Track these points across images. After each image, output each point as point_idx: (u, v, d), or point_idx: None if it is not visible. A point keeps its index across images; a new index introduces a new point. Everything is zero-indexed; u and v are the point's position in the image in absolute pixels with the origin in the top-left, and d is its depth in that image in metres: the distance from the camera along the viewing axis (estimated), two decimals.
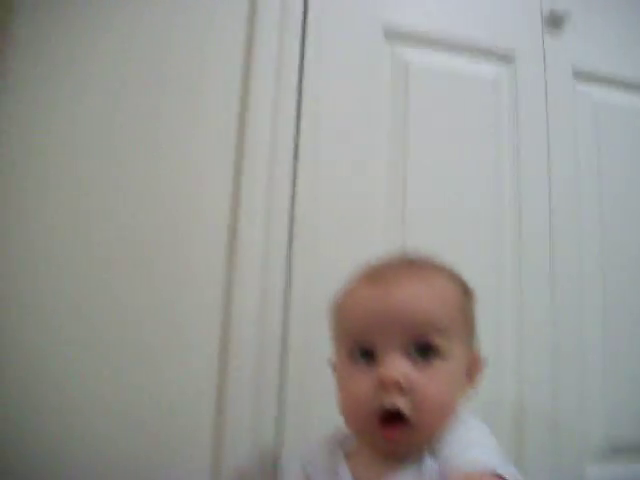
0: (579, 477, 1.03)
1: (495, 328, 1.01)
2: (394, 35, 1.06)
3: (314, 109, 0.99)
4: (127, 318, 0.87)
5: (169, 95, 0.94)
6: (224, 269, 0.91)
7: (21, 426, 0.82)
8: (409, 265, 0.72)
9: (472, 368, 0.71)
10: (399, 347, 0.65)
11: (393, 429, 0.64)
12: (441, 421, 0.65)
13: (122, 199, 0.90)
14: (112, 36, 0.94)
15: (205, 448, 0.87)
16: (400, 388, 0.63)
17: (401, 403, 0.63)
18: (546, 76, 1.13)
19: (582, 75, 1.16)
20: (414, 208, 1.02)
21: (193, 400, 0.88)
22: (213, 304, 0.90)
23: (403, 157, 1.03)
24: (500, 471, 0.57)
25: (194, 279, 0.90)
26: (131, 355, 0.86)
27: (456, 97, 1.08)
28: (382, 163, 1.02)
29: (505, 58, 1.12)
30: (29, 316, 0.84)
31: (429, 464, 0.64)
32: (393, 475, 0.65)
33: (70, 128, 0.90)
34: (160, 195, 0.91)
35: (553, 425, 1.02)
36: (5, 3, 0.87)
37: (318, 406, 0.89)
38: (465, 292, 0.73)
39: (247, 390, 0.89)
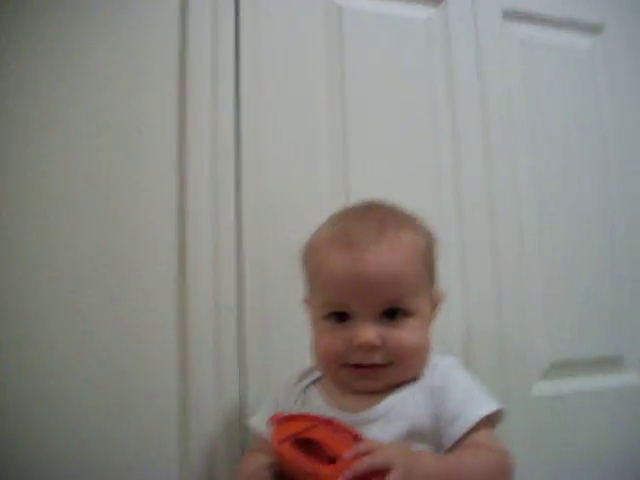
0: (526, 394, 1.10)
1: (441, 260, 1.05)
2: None
3: (253, 64, 1.00)
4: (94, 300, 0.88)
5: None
6: (176, 241, 0.92)
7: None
8: (378, 222, 0.73)
9: (436, 304, 0.78)
10: (372, 311, 0.70)
11: (369, 374, 0.71)
12: (419, 364, 0.73)
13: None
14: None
15: (172, 414, 0.90)
16: (374, 348, 0.70)
17: (377, 358, 0.70)
18: (476, 15, 1.16)
19: (510, 14, 1.19)
20: (355, 155, 1.04)
21: (158, 371, 0.90)
22: (168, 282, 0.91)
23: (342, 104, 1.05)
24: (485, 412, 0.69)
25: (148, 257, 0.91)
26: (99, 333, 0.88)
27: (390, 39, 1.10)
28: (321, 113, 1.04)
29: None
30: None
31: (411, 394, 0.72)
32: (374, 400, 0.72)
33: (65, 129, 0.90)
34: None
35: (499, 348, 1.08)
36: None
37: (278, 363, 0.93)
38: (429, 241, 0.77)
39: (208, 357, 0.92)
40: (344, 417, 0.71)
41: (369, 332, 0.69)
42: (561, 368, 1.14)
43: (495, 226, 1.11)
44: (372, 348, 0.69)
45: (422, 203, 1.03)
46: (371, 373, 0.71)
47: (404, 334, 0.70)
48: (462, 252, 1.08)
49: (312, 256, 0.76)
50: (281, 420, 0.68)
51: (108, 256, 0.89)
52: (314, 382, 0.79)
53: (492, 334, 1.08)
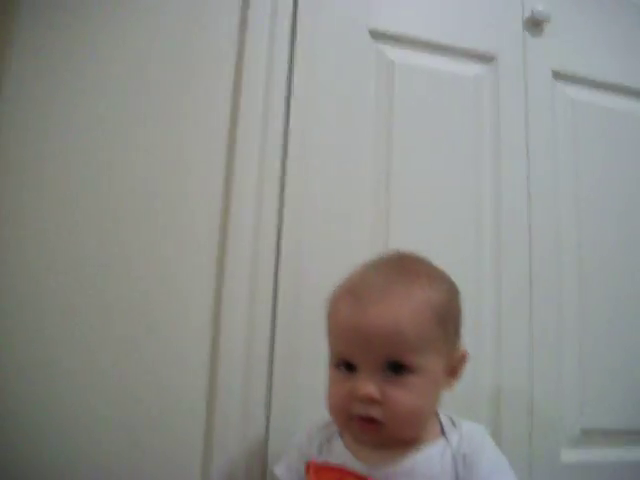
0: (554, 461, 1.08)
1: (475, 317, 1.05)
2: (380, 36, 1.10)
3: (303, 109, 1.02)
4: (115, 310, 0.89)
5: (162, 97, 0.97)
6: (214, 272, 0.94)
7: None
8: (393, 276, 0.74)
9: (456, 365, 0.77)
10: (375, 363, 0.70)
11: (368, 429, 0.71)
12: (412, 425, 0.73)
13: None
14: (107, 40, 0.96)
15: (196, 446, 0.90)
16: (373, 401, 0.69)
17: (374, 412, 0.70)
18: (526, 76, 1.17)
19: (561, 75, 1.20)
20: (398, 206, 1.06)
21: (185, 401, 0.91)
22: (203, 310, 0.93)
23: (387, 155, 1.07)
24: None
25: (185, 285, 0.93)
26: (126, 358, 0.89)
27: (439, 96, 1.12)
28: (367, 161, 1.06)
29: (486, 58, 1.16)
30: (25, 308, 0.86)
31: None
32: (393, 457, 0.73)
33: (66, 131, 0.92)
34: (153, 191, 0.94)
35: (529, 410, 1.07)
36: (5, 5, 0.89)
37: (303, 409, 0.94)
38: (449, 297, 0.77)
39: (236, 397, 0.92)
40: (369, 469, 0.72)
41: (369, 385, 0.69)
42: (591, 436, 1.12)
43: (533, 289, 1.11)
44: (371, 401, 0.69)
45: (461, 261, 1.05)
46: (370, 428, 0.71)
47: (402, 394, 0.70)
48: (498, 312, 1.08)
49: (329, 305, 0.78)
50: (317, 468, 0.68)
51: (144, 280, 0.91)
52: (339, 432, 0.79)
53: (523, 397, 1.07)
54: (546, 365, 1.09)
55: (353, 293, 0.74)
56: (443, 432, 0.75)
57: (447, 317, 0.75)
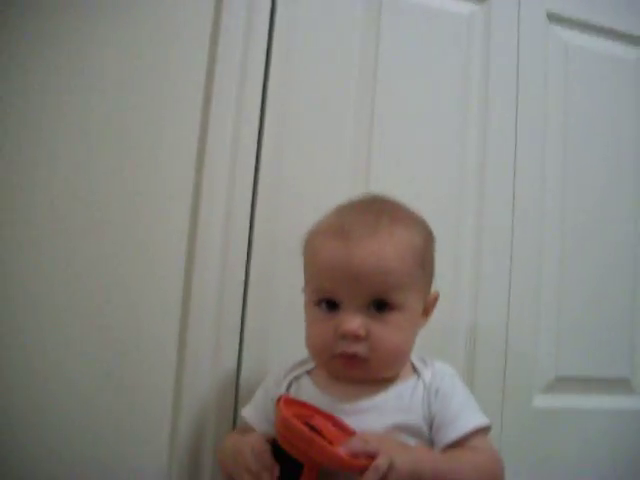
0: (527, 405, 1.09)
1: (454, 255, 1.05)
2: None
3: (286, 41, 0.99)
4: (96, 229, 0.88)
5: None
6: (191, 198, 0.92)
7: None
8: (374, 216, 0.74)
9: (428, 306, 0.79)
10: (359, 302, 0.71)
11: (352, 365, 0.71)
12: (395, 361, 0.74)
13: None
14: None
15: (168, 377, 0.90)
16: (358, 337, 0.70)
17: (358, 349, 0.71)
18: (520, 17, 1.14)
19: (555, 18, 1.17)
20: (380, 145, 1.03)
21: (158, 330, 0.90)
22: (178, 238, 0.91)
23: (371, 93, 1.04)
24: (483, 423, 0.72)
25: (161, 209, 0.91)
26: (105, 288, 0.88)
27: (429, 33, 1.09)
28: (351, 99, 1.03)
29: None
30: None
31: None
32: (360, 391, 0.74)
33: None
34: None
35: (504, 353, 1.07)
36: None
37: (276, 334, 0.94)
38: (427, 240, 0.77)
39: (209, 320, 0.91)
40: (338, 405, 0.72)
41: (354, 321, 0.70)
42: (566, 383, 1.12)
43: (515, 230, 1.09)
44: (356, 337, 0.70)
45: (442, 199, 1.04)
46: (354, 364, 0.71)
47: (387, 331, 0.71)
48: (478, 252, 1.07)
49: (309, 244, 0.77)
50: (287, 401, 0.69)
51: (116, 216, 0.89)
52: (307, 372, 0.80)
53: (500, 339, 1.07)
54: (524, 309, 1.09)
55: (336, 232, 0.73)
56: (415, 370, 0.76)
57: (426, 259, 0.76)
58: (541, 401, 1.10)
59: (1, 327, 0.84)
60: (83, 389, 0.87)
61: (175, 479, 0.89)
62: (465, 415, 0.72)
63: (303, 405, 0.70)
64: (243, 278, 0.93)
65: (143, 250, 0.90)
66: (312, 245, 0.77)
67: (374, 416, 0.71)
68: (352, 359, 0.71)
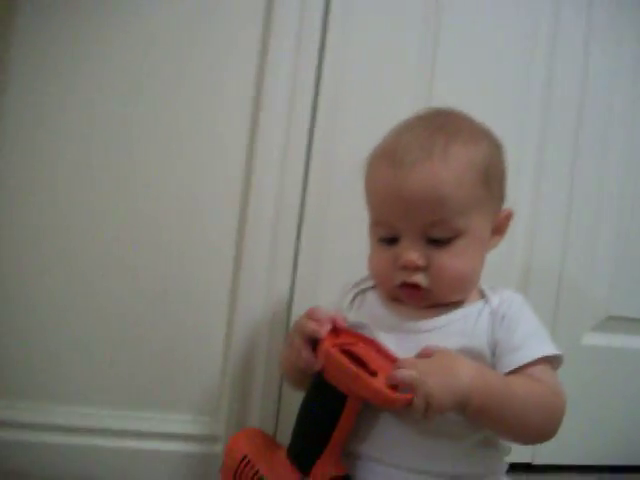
0: (576, 343, 1.09)
1: (512, 191, 1.00)
2: None
3: None
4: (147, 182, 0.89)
5: None
6: (248, 131, 0.91)
7: None
8: (430, 136, 0.69)
9: (501, 224, 0.75)
10: (417, 232, 0.68)
11: (414, 295, 0.70)
12: (460, 288, 0.71)
13: None
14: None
15: (222, 304, 0.92)
16: (417, 268, 0.68)
17: (418, 279, 0.69)
18: None
19: None
20: (444, 56, 0.99)
21: (212, 258, 0.91)
22: (235, 165, 0.91)
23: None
24: (550, 352, 0.68)
25: (218, 139, 0.91)
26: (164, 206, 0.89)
27: None
28: (415, 14, 0.97)
29: None
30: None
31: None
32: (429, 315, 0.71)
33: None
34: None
35: (557, 291, 1.06)
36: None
37: (330, 257, 0.94)
38: (492, 155, 0.72)
39: (264, 242, 0.91)
40: (401, 323, 0.71)
41: (412, 253, 0.68)
42: (617, 322, 1.11)
43: (577, 161, 1.06)
44: (416, 268, 0.68)
45: (503, 131, 1.00)
46: (416, 294, 0.70)
47: (448, 259, 0.68)
48: (537, 185, 1.04)
49: (366, 172, 0.75)
50: (330, 332, 0.68)
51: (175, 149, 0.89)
52: (373, 287, 0.78)
53: (553, 277, 1.05)
54: (580, 248, 1.07)
55: (389, 157, 0.70)
56: (483, 295, 0.74)
57: (491, 175, 0.71)
58: (590, 339, 1.10)
59: (57, 245, 0.86)
60: (139, 306, 0.89)
61: (227, 399, 0.92)
62: (531, 343, 0.68)
63: (346, 332, 0.70)
64: (299, 201, 0.93)
65: (202, 171, 0.90)
66: (368, 173, 0.74)
67: (437, 337, 0.69)
68: (414, 289, 0.69)
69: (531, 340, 0.69)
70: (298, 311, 0.91)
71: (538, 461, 1.09)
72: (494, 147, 0.73)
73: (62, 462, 0.87)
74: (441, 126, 0.71)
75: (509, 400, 0.64)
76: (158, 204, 0.89)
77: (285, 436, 0.71)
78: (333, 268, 0.93)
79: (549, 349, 0.69)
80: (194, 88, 0.89)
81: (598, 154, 1.08)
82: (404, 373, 0.60)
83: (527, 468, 1.09)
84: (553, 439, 1.05)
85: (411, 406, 0.59)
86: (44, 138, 0.85)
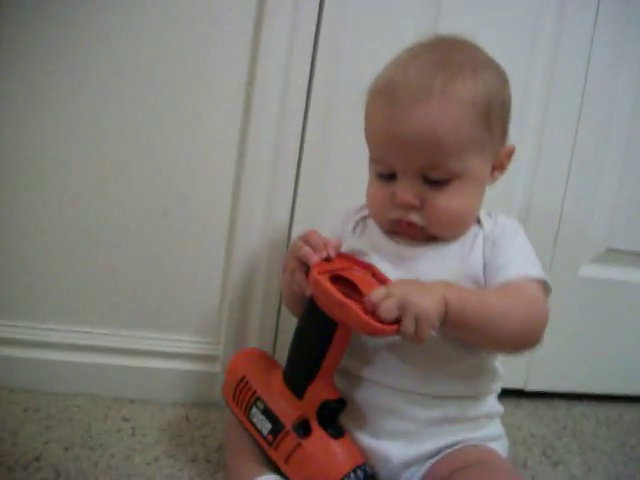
0: (573, 274, 1.09)
1: (517, 123, 0.99)
2: None
3: None
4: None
5: None
6: (249, 48, 0.89)
7: None
8: (430, 70, 0.66)
9: (501, 162, 0.74)
10: (413, 171, 0.67)
11: (410, 231, 0.71)
12: (456, 226, 0.71)
13: None
14: None
15: (221, 227, 0.92)
16: (412, 207, 0.68)
17: (413, 218, 0.69)
18: None
19: None
20: None
21: (212, 185, 0.91)
22: (235, 90, 0.89)
23: None
24: (534, 274, 0.68)
25: (219, 59, 0.89)
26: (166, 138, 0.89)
27: None
28: None
29: None
30: None
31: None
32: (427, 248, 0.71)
33: None
34: None
35: (557, 223, 1.06)
36: None
37: (330, 190, 0.93)
38: (497, 88, 0.69)
39: (264, 174, 0.91)
40: (400, 250, 0.72)
41: (408, 192, 0.67)
42: (616, 255, 1.12)
43: (585, 96, 1.03)
44: (410, 207, 0.68)
45: (509, 64, 0.98)
46: (412, 230, 0.70)
47: (444, 199, 0.68)
48: (543, 117, 1.02)
49: (366, 105, 0.73)
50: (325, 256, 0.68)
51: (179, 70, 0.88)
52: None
53: (554, 209, 1.05)
54: (584, 178, 1.06)
55: (388, 95, 0.67)
56: (479, 222, 0.74)
57: (493, 113, 0.68)
58: (589, 271, 1.10)
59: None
60: (139, 229, 0.90)
61: (226, 320, 0.93)
62: (516, 264, 0.68)
63: (342, 256, 0.69)
64: (300, 132, 0.91)
65: (201, 103, 0.89)
66: (367, 107, 0.72)
67: (435, 262, 0.70)
68: (410, 226, 0.70)
69: (517, 260, 0.69)
70: (297, 233, 0.91)
71: (530, 387, 1.12)
72: (498, 81, 0.71)
73: (65, 378, 0.90)
74: (443, 61, 0.68)
75: (485, 305, 0.64)
76: (160, 126, 0.88)
77: (283, 356, 0.73)
78: (333, 192, 0.93)
79: (533, 271, 0.69)
80: None
81: (606, 90, 1.05)
82: (389, 302, 0.59)
83: (520, 394, 1.12)
84: (546, 366, 1.10)
85: (400, 331, 0.59)
86: None
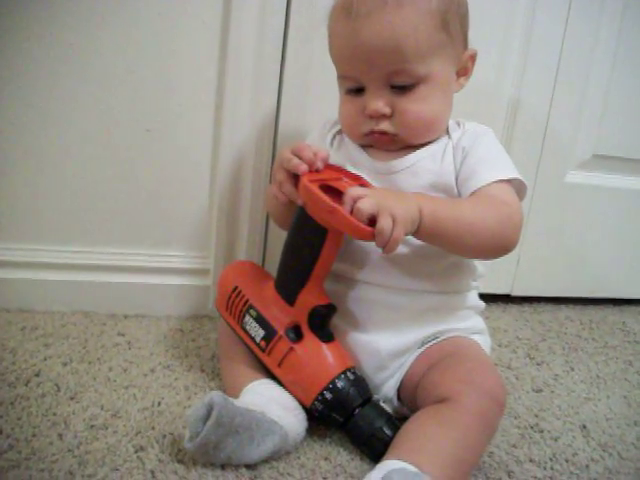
0: (559, 180, 1.10)
1: (505, 23, 0.98)
2: None
3: None
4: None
5: None
6: None
7: None
8: None
9: (466, 65, 0.75)
10: (379, 80, 0.69)
11: (383, 140, 0.72)
12: (427, 131, 0.73)
13: None
14: None
15: (206, 135, 0.91)
16: (383, 116, 0.70)
17: (385, 126, 0.71)
18: None
19: None
20: None
21: (194, 92, 0.89)
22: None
23: None
24: (504, 176, 0.70)
25: None
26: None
27: None
28: None
29: None
30: None
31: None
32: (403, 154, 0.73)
33: None
34: None
35: (544, 129, 1.06)
36: None
37: (315, 79, 0.91)
38: None
39: (248, 63, 0.88)
40: (374, 164, 0.74)
41: (377, 102, 0.69)
42: (602, 161, 1.12)
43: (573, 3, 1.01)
44: (381, 116, 0.70)
45: None
46: (384, 139, 0.72)
47: (413, 104, 0.69)
48: (530, 18, 0.99)
49: (328, 24, 0.73)
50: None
51: None
52: None
53: (541, 115, 1.05)
54: (571, 85, 1.05)
55: (346, 9, 0.68)
56: (448, 132, 0.75)
57: (450, 18, 0.69)
58: (574, 177, 1.11)
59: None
60: (126, 143, 0.89)
61: (215, 233, 0.94)
62: (486, 168, 0.70)
63: (330, 167, 0.70)
64: (283, 23, 0.89)
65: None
66: (329, 25, 0.73)
67: (407, 176, 0.72)
68: (382, 135, 0.71)
69: (487, 165, 0.71)
70: (285, 130, 0.92)
71: (517, 292, 1.15)
72: None
73: (62, 297, 0.91)
74: None
75: (457, 215, 0.66)
76: (137, 42, 0.86)
77: (273, 266, 0.74)
78: (320, 85, 0.90)
79: (503, 173, 0.70)
80: None
81: None
82: (367, 201, 0.60)
83: (506, 299, 1.15)
84: (532, 272, 1.12)
85: (377, 230, 0.60)
86: None
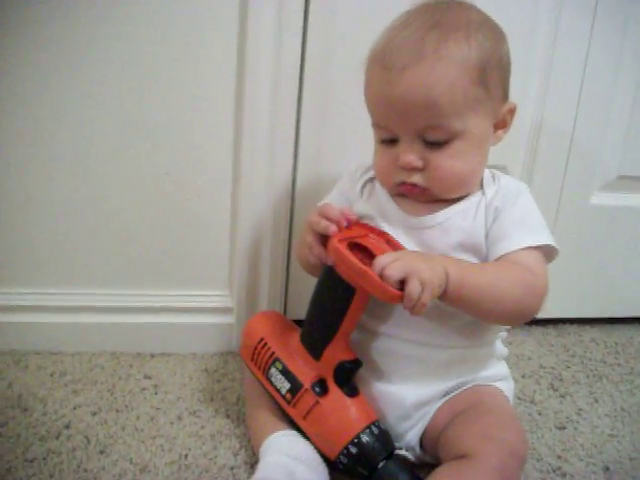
0: (584, 202, 1.09)
1: (526, 46, 0.96)
2: None
3: None
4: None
5: None
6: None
7: None
8: (423, 33, 0.66)
9: (504, 118, 0.73)
10: (413, 133, 0.68)
11: (414, 193, 0.72)
12: (459, 187, 0.72)
13: None
14: None
15: (225, 185, 0.92)
16: (414, 169, 0.69)
17: (416, 179, 0.70)
18: None
19: None
20: None
21: (212, 141, 0.90)
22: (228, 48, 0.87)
23: None
24: (535, 242, 0.69)
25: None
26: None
27: None
28: None
29: None
30: None
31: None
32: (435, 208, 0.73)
33: None
34: None
35: (567, 150, 1.04)
36: None
37: (331, 145, 0.93)
38: (493, 48, 0.68)
39: (263, 130, 0.89)
40: (405, 218, 0.73)
41: (409, 155, 0.68)
42: (628, 182, 1.10)
43: (597, 17, 0.98)
44: (412, 169, 0.69)
45: None
46: (416, 191, 0.71)
47: (446, 160, 0.68)
48: (552, 39, 0.97)
49: (365, 69, 0.73)
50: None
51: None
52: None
53: (565, 135, 1.03)
54: (594, 105, 1.02)
55: (381, 61, 0.68)
56: (482, 186, 0.74)
57: (489, 72, 0.68)
58: (599, 199, 1.09)
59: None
60: (146, 186, 0.90)
61: (237, 276, 0.95)
62: (516, 233, 0.70)
63: (358, 224, 0.71)
64: (297, 86, 0.89)
65: (197, 57, 0.86)
66: (365, 74, 0.73)
67: (438, 233, 0.71)
68: (414, 187, 0.71)
69: (514, 230, 0.70)
70: (301, 194, 0.94)
71: (541, 314, 1.09)
72: (493, 39, 0.69)
73: (91, 338, 0.94)
74: (435, 23, 0.67)
75: (482, 282, 0.66)
76: (160, 91, 0.87)
77: (294, 314, 0.74)
78: (335, 151, 0.93)
79: (533, 239, 0.70)
80: None
81: (620, 12, 1.00)
82: (396, 265, 0.61)
83: (530, 321, 1.12)
84: (556, 293, 1.10)
85: (406, 293, 0.60)
86: None
